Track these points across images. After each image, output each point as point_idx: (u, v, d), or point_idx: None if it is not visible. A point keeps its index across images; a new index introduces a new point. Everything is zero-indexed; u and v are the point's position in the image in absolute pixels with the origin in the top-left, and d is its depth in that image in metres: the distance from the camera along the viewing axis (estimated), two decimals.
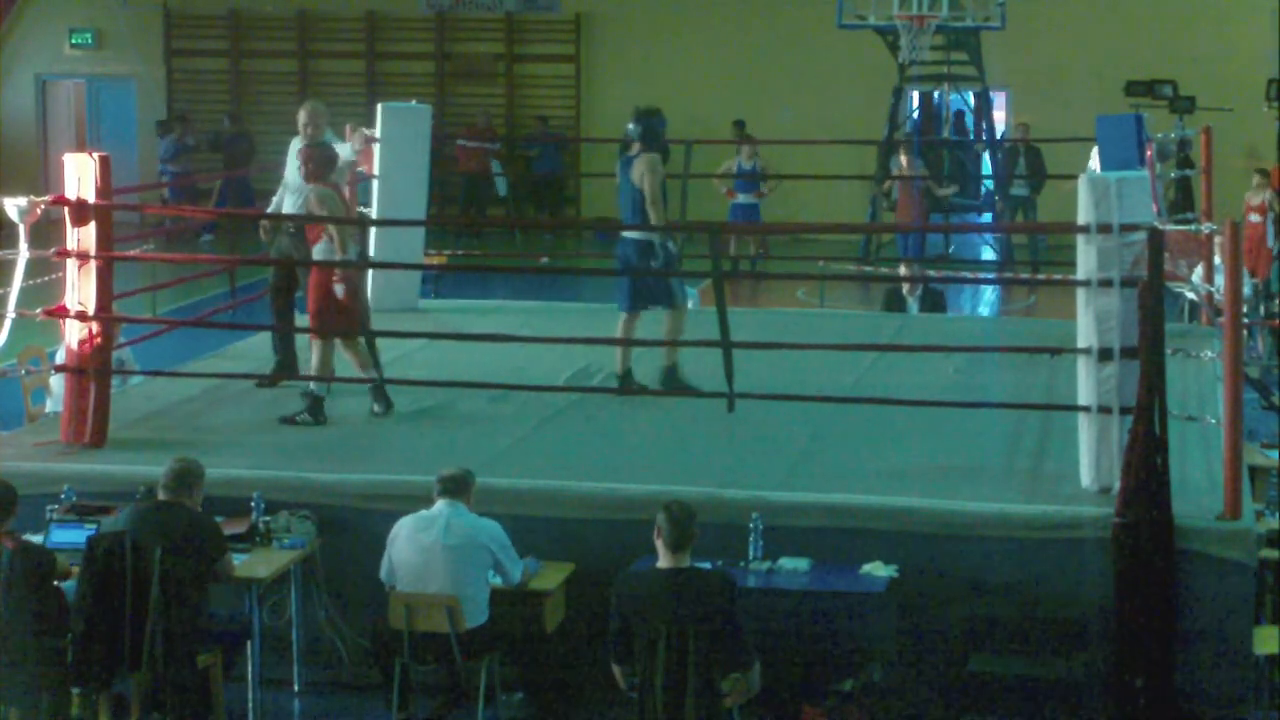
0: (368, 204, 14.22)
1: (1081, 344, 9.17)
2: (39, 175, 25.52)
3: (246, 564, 8.85)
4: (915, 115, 25.88)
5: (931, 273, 17.17)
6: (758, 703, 8.17)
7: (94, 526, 8.78)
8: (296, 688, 9.37)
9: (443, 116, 25.40)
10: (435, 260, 16.95)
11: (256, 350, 12.66)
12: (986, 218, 23.43)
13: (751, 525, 8.97)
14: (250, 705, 8.95)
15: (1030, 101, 25.71)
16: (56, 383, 11.27)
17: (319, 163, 11.15)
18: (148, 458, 9.72)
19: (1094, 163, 14.66)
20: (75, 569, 8.34)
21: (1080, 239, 9.16)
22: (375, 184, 14.14)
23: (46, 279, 11.08)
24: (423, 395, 11.37)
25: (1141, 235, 8.92)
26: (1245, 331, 12.25)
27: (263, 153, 26.02)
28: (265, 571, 8.83)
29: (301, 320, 11.74)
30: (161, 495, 8.53)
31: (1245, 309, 11.86)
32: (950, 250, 23.33)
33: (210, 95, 28.82)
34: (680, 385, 11.39)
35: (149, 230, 21.94)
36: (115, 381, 11.06)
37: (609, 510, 9.26)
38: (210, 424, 11.01)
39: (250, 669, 8.93)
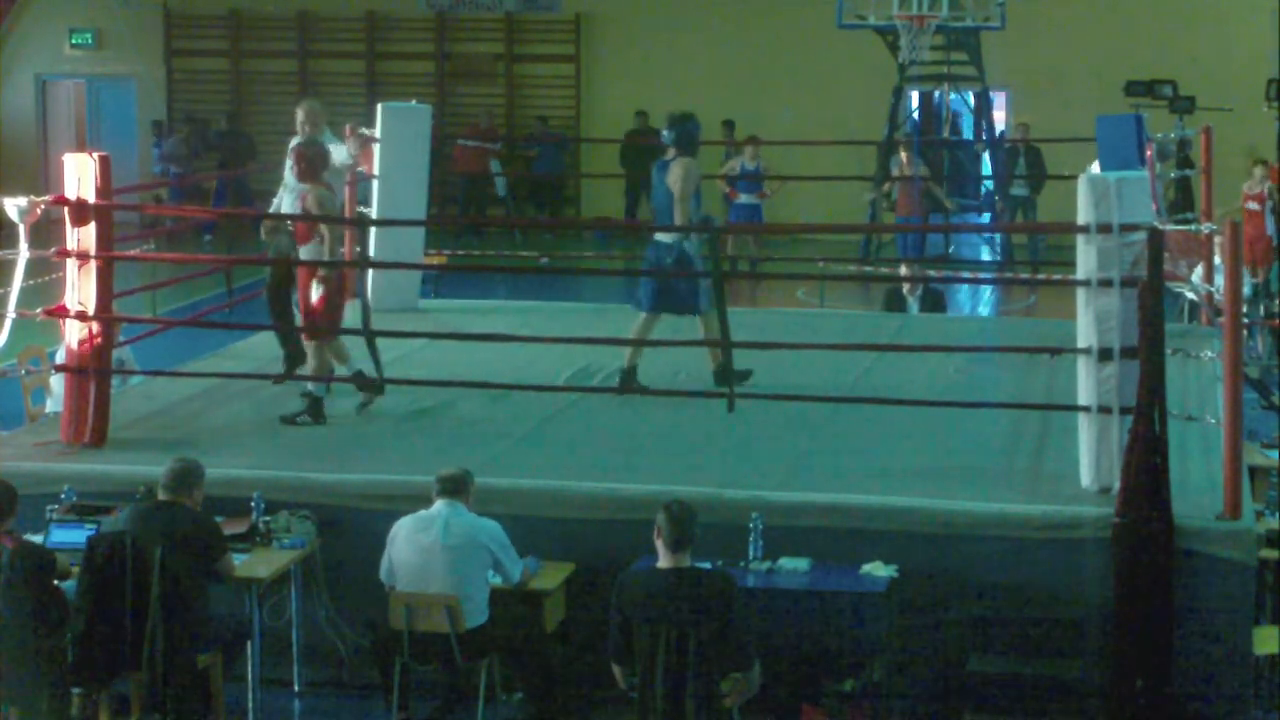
0: (368, 204, 14.22)
1: (1081, 344, 9.17)
2: (39, 175, 25.53)
3: (246, 564, 8.85)
4: (915, 115, 25.88)
5: (931, 273, 17.17)
6: (758, 703, 8.17)
7: (94, 526, 8.79)
8: (296, 688, 9.37)
9: (443, 116, 25.40)
10: (435, 260, 16.94)
11: (256, 350, 12.66)
12: (986, 218, 23.43)
13: (751, 525, 8.97)
14: (250, 705, 8.96)
15: (1030, 101, 25.71)
16: (56, 383, 11.27)
17: (310, 161, 11.14)
18: (148, 458, 9.72)
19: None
20: (75, 569, 8.34)
21: (1080, 239, 9.16)
22: (375, 184, 14.13)
23: (46, 279, 11.08)
24: (423, 395, 11.37)
25: (1141, 235, 8.91)
26: (1245, 331, 12.25)
27: (263, 153, 26.04)
28: (265, 571, 8.83)
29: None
30: (161, 495, 8.53)
31: (1245, 309, 11.86)
32: (950, 250, 23.33)
33: (210, 95, 28.83)
34: (738, 378, 11.17)
35: (149, 230, 21.92)
36: (115, 381, 11.06)
37: (609, 510, 9.26)
38: (210, 424, 11.01)
39: (250, 669, 8.93)
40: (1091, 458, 9.20)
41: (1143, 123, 13.25)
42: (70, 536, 8.85)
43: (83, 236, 10.18)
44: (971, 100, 24.39)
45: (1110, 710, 8.73)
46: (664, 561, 7.84)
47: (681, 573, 7.79)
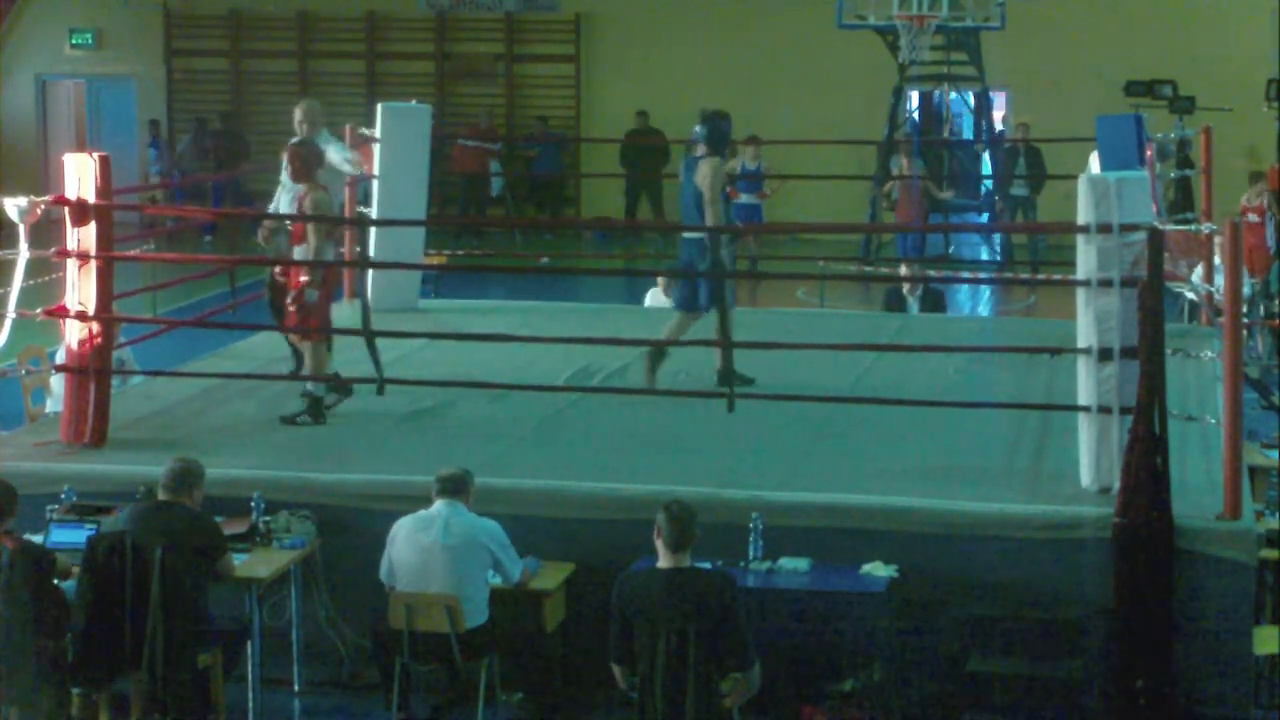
0: (368, 204, 14.22)
1: (1081, 344, 9.17)
2: (39, 175, 25.51)
3: (246, 564, 8.85)
4: (915, 115, 25.88)
5: (931, 273, 17.17)
6: (758, 703, 8.17)
7: (94, 526, 8.79)
8: (296, 688, 9.37)
9: (443, 116, 25.40)
10: (435, 260, 16.95)
11: (256, 350, 12.66)
12: (985, 218, 23.43)
13: (751, 525, 8.97)
14: (250, 705, 8.96)
15: (1030, 101, 25.71)
16: (56, 383, 11.27)
17: (305, 161, 11.13)
18: (148, 458, 9.72)
19: (1095, 164, 14.65)
20: (75, 569, 8.34)
21: (1080, 239, 9.16)
22: (375, 184, 14.13)
23: (46, 279, 11.08)
24: (423, 395, 11.37)
25: (1141, 235, 8.91)
26: (1245, 331, 12.25)
27: (263, 153, 26.02)
28: (265, 571, 8.83)
29: None
30: (161, 495, 8.53)
31: (1245, 309, 11.86)
32: (950, 250, 23.33)
33: (210, 95, 28.82)
34: (739, 381, 11.20)
35: (149, 230, 21.92)
36: (115, 381, 11.06)
37: (609, 510, 9.27)
38: (210, 424, 11.01)
39: (250, 669, 8.93)
40: (1091, 458, 9.20)
41: (1143, 123, 13.28)
42: (70, 536, 8.85)
43: (83, 236, 10.18)
44: (971, 100, 24.39)
45: (1110, 710, 8.73)
46: (664, 561, 7.83)
47: (681, 573, 7.79)
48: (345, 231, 13.65)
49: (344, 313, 13.40)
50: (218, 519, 8.88)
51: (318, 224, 10.82)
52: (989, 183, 23.63)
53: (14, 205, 10.14)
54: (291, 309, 10.88)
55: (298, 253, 10.98)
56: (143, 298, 14.77)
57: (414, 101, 15.43)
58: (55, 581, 8.30)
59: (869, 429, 10.77)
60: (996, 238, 23.35)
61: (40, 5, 28.91)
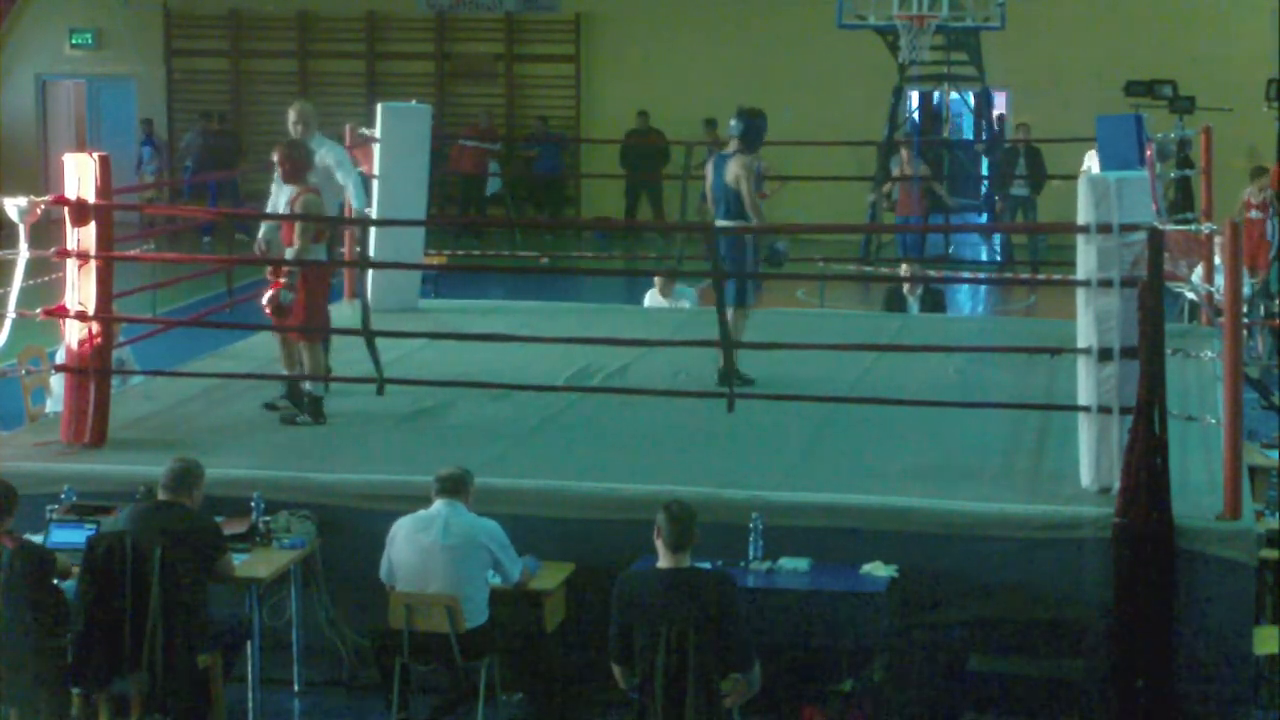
0: (368, 204, 14.20)
1: (1081, 344, 9.17)
2: (39, 175, 25.52)
3: (246, 564, 8.85)
4: (915, 115, 25.87)
5: (931, 273, 17.17)
6: (758, 703, 8.16)
7: (94, 526, 8.79)
8: (296, 688, 9.37)
9: (443, 116, 25.40)
10: (435, 260, 16.94)
11: (256, 350, 12.66)
12: (985, 218, 23.43)
13: (751, 525, 8.97)
14: (250, 705, 8.96)
15: (1030, 101, 25.70)
16: (56, 383, 11.27)
17: (295, 162, 11.12)
18: (148, 458, 9.72)
19: (1091, 162, 14.65)
20: (75, 569, 8.34)
21: (1080, 239, 9.16)
22: (375, 184, 14.13)
23: (46, 279, 11.07)
24: (423, 395, 11.37)
25: (1141, 235, 8.91)
26: (1245, 331, 12.25)
27: (263, 153, 25.97)
28: (265, 571, 8.83)
29: None
30: (161, 495, 8.53)
31: (1245, 309, 11.85)
32: (950, 250, 23.32)
33: (210, 95, 28.82)
34: (739, 381, 11.17)
35: (149, 230, 21.92)
36: (115, 381, 11.06)
37: (609, 510, 9.26)
38: (210, 424, 11.01)
39: (250, 669, 8.93)
40: (1091, 458, 9.20)
41: (1143, 123, 13.26)
42: (70, 536, 8.85)
43: (83, 236, 10.18)
44: (971, 100, 24.38)
45: (1110, 710, 8.73)
46: (664, 561, 7.83)
47: (681, 573, 7.78)
48: (345, 232, 13.64)
49: (344, 313, 13.42)
50: (218, 519, 8.88)
51: (304, 226, 10.80)
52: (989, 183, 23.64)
53: (14, 205, 10.13)
54: (267, 310, 10.88)
55: (286, 255, 10.97)
56: (142, 297, 14.77)
57: (414, 101, 15.43)
58: (55, 581, 8.31)
59: (869, 429, 10.77)
60: (996, 238, 23.35)
61: (40, 5, 28.91)
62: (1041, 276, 20.17)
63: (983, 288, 21.64)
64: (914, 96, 25.65)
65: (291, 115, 11.68)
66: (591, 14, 27.82)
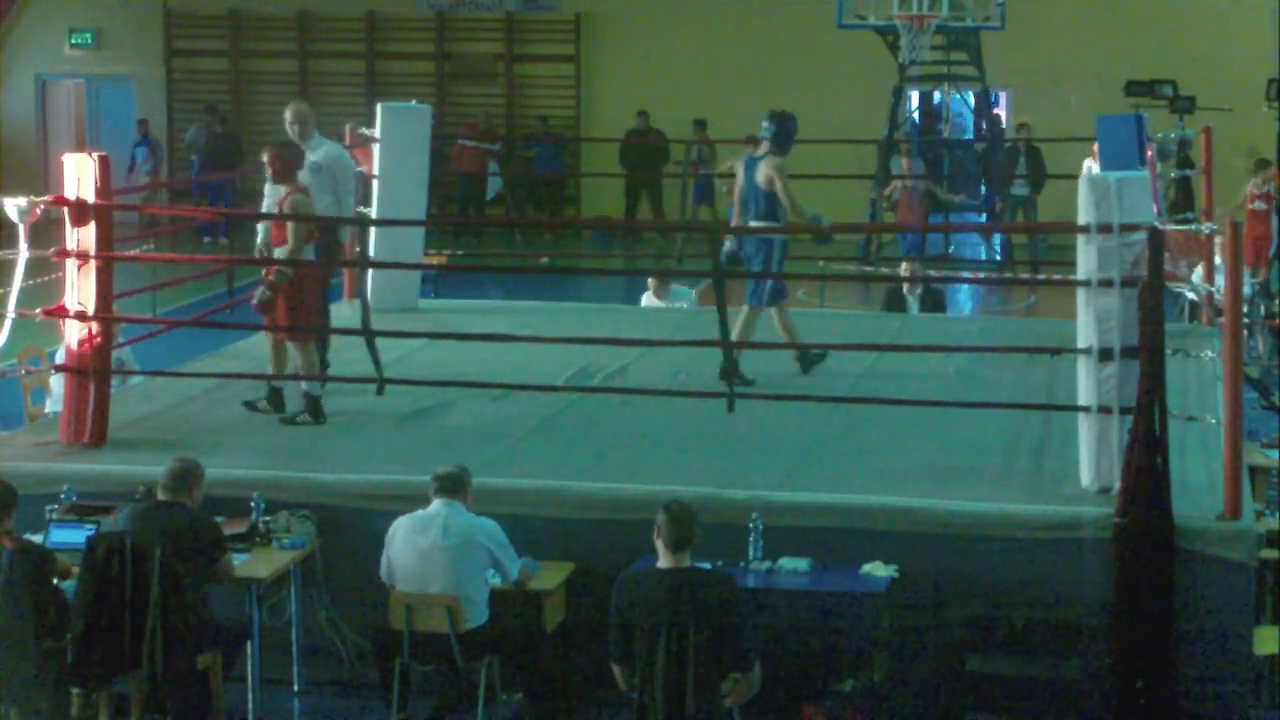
0: (367, 204, 14.21)
1: (1081, 344, 9.17)
2: (39, 175, 25.52)
3: (246, 564, 8.84)
4: (915, 115, 25.87)
5: (931, 273, 17.17)
6: (758, 703, 8.16)
7: (94, 526, 8.78)
8: (296, 688, 9.37)
9: (443, 116, 25.40)
10: (435, 260, 16.94)
11: (256, 350, 12.63)
12: (985, 218, 23.44)
13: (751, 525, 8.96)
14: (250, 705, 8.95)
15: (1030, 101, 25.71)
16: (56, 383, 11.27)
17: (284, 163, 11.12)
18: (148, 458, 9.71)
19: (1091, 162, 14.65)
20: (75, 569, 8.34)
21: (1080, 239, 9.15)
22: (375, 184, 14.13)
23: (46, 279, 11.07)
24: (423, 395, 11.36)
25: (1141, 235, 8.91)
26: (1245, 331, 12.25)
27: (257, 154, 25.95)
28: (265, 571, 8.83)
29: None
30: (161, 495, 8.53)
31: (1245, 309, 11.85)
32: (950, 250, 23.32)
33: (210, 95, 28.82)
34: (739, 381, 11.16)
35: (149, 230, 21.91)
36: (115, 381, 11.06)
37: (609, 510, 9.26)
38: (210, 424, 11.00)
39: (250, 669, 8.92)
40: (1091, 458, 9.20)
41: (1143, 123, 13.27)
42: (70, 536, 8.85)
43: (83, 236, 10.17)
44: (972, 100, 24.38)
45: (1110, 710, 8.73)
46: (664, 561, 7.83)
47: (681, 573, 7.78)
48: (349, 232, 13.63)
49: (344, 312, 13.41)
50: (218, 519, 8.88)
51: (297, 227, 10.80)
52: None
53: (14, 205, 10.13)
54: (256, 310, 10.89)
55: (278, 255, 10.96)
56: (142, 298, 14.77)
57: (414, 101, 15.43)
58: (55, 581, 8.30)
59: (869, 429, 10.76)
60: (996, 237, 23.35)
61: (40, 5, 28.92)
62: (1041, 276, 20.17)
63: (983, 287, 21.63)
64: (914, 96, 25.65)
65: (288, 116, 11.67)
66: (591, 14, 27.83)
